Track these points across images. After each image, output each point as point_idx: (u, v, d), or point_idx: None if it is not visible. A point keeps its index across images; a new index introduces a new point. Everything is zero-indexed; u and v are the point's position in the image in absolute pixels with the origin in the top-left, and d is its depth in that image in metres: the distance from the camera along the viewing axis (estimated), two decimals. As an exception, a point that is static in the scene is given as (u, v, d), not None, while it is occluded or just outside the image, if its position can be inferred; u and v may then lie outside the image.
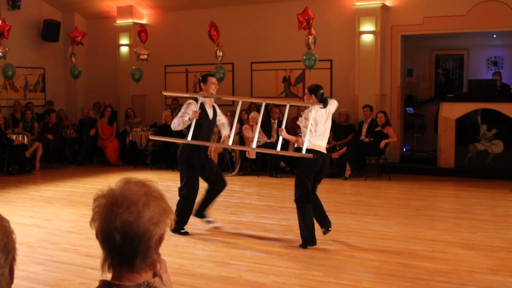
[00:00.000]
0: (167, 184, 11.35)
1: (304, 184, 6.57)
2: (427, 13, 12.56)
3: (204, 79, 7.36)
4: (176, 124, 7.11)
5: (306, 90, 6.86)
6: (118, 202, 1.66)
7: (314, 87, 6.74)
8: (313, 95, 6.61)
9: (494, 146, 11.75)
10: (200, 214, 7.47)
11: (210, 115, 7.30)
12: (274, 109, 12.90)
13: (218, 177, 7.38)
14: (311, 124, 6.36)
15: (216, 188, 7.38)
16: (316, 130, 6.44)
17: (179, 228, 7.16)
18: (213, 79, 7.38)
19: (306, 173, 6.58)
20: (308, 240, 6.56)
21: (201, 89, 7.38)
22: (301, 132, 6.60)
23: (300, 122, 6.57)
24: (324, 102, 6.54)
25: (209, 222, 7.50)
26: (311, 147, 6.40)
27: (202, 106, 7.19)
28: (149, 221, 1.66)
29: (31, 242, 6.86)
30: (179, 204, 7.20)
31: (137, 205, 1.66)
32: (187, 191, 7.16)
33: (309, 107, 6.50)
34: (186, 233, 7.18)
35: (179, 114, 7.14)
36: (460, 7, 12.27)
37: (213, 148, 12.60)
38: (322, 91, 6.70)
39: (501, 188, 10.40)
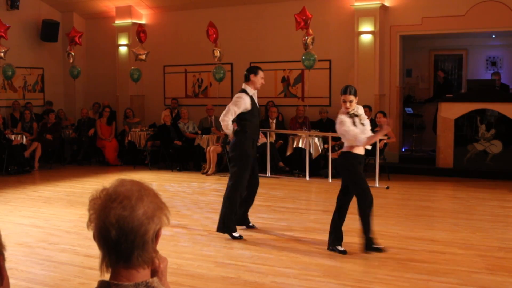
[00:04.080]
0: (168, 183, 11.37)
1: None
2: (426, 13, 12.57)
3: (255, 70, 7.16)
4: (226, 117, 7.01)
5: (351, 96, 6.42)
6: (112, 198, 1.68)
7: (354, 88, 6.53)
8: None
9: (493, 146, 11.75)
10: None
11: (258, 103, 7.34)
12: (272, 109, 12.90)
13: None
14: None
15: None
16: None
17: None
18: (263, 74, 7.22)
19: None
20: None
21: (248, 80, 7.13)
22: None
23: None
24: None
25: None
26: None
27: (252, 98, 7.15)
28: (143, 215, 1.68)
29: (30, 242, 6.86)
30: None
31: (130, 199, 1.67)
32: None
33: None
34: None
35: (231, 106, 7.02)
36: (459, 7, 12.27)
37: (212, 148, 12.60)
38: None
39: (500, 188, 10.41)
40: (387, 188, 7.60)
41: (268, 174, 8.95)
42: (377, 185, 7.68)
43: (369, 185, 6.40)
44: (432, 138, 13.25)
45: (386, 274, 5.48)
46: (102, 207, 1.68)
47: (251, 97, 7.09)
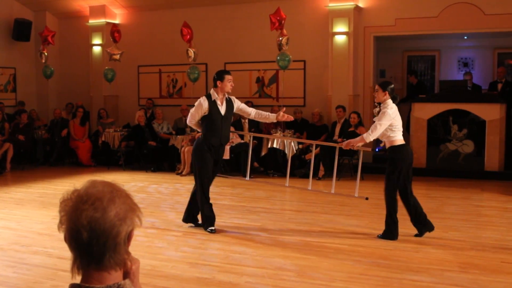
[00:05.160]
0: (143, 184, 11.31)
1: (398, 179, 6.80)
2: (400, 15, 12.69)
3: (220, 76, 7.26)
4: (188, 120, 7.43)
5: (377, 86, 6.98)
6: (83, 200, 1.66)
7: (385, 83, 6.99)
8: (387, 92, 6.83)
9: (465, 146, 11.90)
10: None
11: (223, 111, 7.27)
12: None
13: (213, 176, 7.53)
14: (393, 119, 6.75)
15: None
16: (397, 126, 6.81)
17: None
18: (230, 77, 7.30)
19: (403, 168, 6.78)
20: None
21: (216, 87, 7.26)
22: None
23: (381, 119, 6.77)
24: (396, 98, 6.89)
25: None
26: (399, 143, 6.83)
27: (214, 103, 7.23)
28: (115, 216, 1.67)
29: (2, 244, 6.77)
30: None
31: (102, 201, 1.66)
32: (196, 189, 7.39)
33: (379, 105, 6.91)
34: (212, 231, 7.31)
35: (192, 110, 7.35)
36: (432, 9, 12.41)
37: (186, 149, 12.57)
38: (392, 86, 6.94)
39: (472, 188, 10.55)
40: (367, 199, 7.64)
41: (247, 177, 8.87)
42: (356, 195, 7.72)
43: (347, 194, 6.69)
44: (405, 138, 13.33)
45: (360, 273, 5.52)
46: (73, 209, 1.66)
47: (213, 102, 7.23)
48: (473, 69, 14.62)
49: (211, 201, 7.39)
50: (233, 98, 7.47)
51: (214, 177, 7.58)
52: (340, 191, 10.27)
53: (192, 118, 7.34)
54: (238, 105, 7.47)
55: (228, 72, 7.43)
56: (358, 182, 7.68)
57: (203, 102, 7.21)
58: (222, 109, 7.26)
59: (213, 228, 7.29)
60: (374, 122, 6.88)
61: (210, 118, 7.22)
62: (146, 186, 11.20)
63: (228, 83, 7.24)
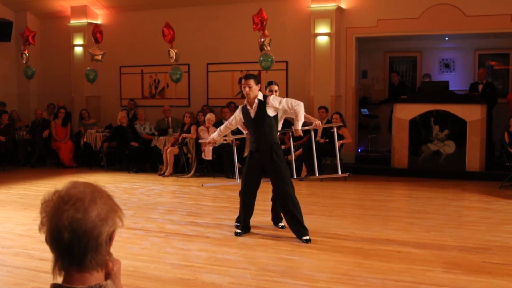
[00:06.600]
0: (125, 185, 11.25)
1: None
2: (381, 16, 12.75)
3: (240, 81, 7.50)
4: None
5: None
6: (64, 200, 1.65)
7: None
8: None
9: (446, 147, 11.99)
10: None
11: (252, 115, 7.12)
12: (223, 109, 12.89)
13: (273, 181, 7.14)
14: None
15: (273, 193, 7.36)
16: None
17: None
18: (243, 81, 7.15)
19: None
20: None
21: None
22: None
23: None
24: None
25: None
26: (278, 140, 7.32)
27: (244, 109, 7.23)
28: (97, 217, 1.66)
29: (-18, 246, 6.71)
30: None
31: (83, 201, 1.65)
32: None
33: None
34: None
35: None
36: (413, 10, 12.49)
37: (169, 149, 12.53)
38: None
39: (453, 188, 10.62)
40: (348, 174, 7.68)
41: (238, 180, 8.75)
42: (339, 173, 7.77)
43: (331, 174, 6.73)
44: (388, 139, 13.44)
45: (343, 274, 5.53)
46: (54, 209, 1.65)
47: (245, 108, 7.18)
48: (453, 70, 14.73)
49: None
50: (269, 97, 7.13)
51: (259, 182, 7.34)
52: (323, 192, 10.33)
53: (228, 120, 7.62)
54: (273, 103, 7.07)
55: (243, 77, 7.26)
56: (338, 162, 7.64)
57: (238, 109, 7.39)
58: (252, 113, 7.15)
59: (239, 231, 7.21)
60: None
61: (246, 124, 7.30)
62: (128, 187, 11.15)
63: (243, 88, 7.16)
